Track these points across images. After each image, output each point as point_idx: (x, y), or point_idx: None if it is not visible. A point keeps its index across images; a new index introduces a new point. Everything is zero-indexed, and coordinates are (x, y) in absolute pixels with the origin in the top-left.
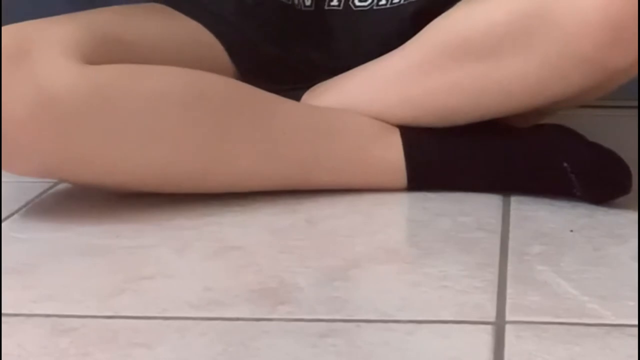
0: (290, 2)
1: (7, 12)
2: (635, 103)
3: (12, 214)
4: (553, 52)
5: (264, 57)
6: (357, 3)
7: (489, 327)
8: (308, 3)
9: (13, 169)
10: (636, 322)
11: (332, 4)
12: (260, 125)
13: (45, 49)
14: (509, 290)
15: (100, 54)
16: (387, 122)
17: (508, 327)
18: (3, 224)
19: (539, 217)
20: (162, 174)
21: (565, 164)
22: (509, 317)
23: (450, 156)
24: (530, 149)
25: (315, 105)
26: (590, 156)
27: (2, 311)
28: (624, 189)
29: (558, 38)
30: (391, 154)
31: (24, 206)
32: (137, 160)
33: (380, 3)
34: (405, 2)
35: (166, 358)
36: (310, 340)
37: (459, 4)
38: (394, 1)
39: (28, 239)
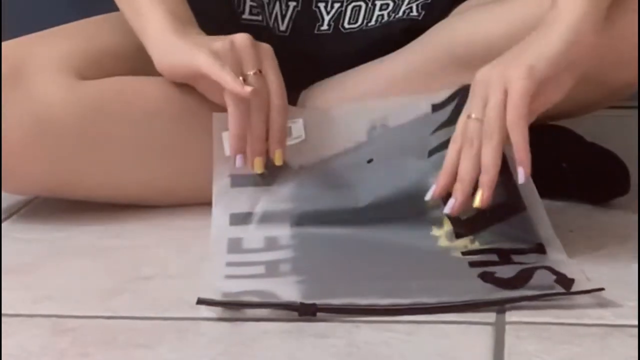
0: (264, 25)
1: (8, 13)
2: (635, 103)
3: (12, 214)
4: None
5: None
6: (347, 25)
7: (489, 328)
8: (282, 28)
9: (10, 189)
10: (636, 323)
11: (322, 28)
12: None
13: (40, 69)
14: None
15: (95, 67)
16: None
17: (508, 327)
18: (3, 224)
19: None
20: (160, 187)
21: (564, 164)
22: (509, 317)
23: None
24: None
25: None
26: (589, 157)
27: (2, 311)
28: (623, 189)
29: None
30: None
31: (24, 206)
32: (134, 175)
33: (370, 24)
34: (394, 19)
35: (166, 358)
36: (310, 340)
37: (460, 13)
38: (382, 20)
39: (28, 239)
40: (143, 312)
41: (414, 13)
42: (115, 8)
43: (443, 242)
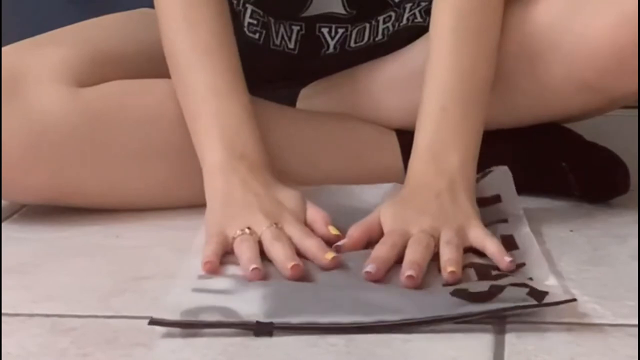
0: (260, 43)
1: (9, 13)
2: (635, 103)
3: (12, 214)
4: (557, 76)
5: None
6: (353, 44)
7: (489, 327)
8: (291, 46)
9: (13, 198)
10: (636, 322)
11: (327, 52)
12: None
13: (37, 77)
14: None
15: (92, 73)
16: (386, 126)
17: (508, 327)
18: (3, 224)
19: (538, 217)
20: (161, 192)
21: (564, 164)
22: (509, 317)
23: None
24: (529, 149)
25: (313, 112)
26: (588, 156)
27: (2, 311)
28: (623, 188)
29: (563, 63)
30: (389, 159)
31: (24, 206)
32: (135, 180)
33: (377, 38)
34: (400, 27)
35: (166, 358)
36: (310, 340)
37: None
38: (389, 32)
39: (28, 239)
40: (143, 311)
41: (419, 19)
42: (114, 10)
43: None
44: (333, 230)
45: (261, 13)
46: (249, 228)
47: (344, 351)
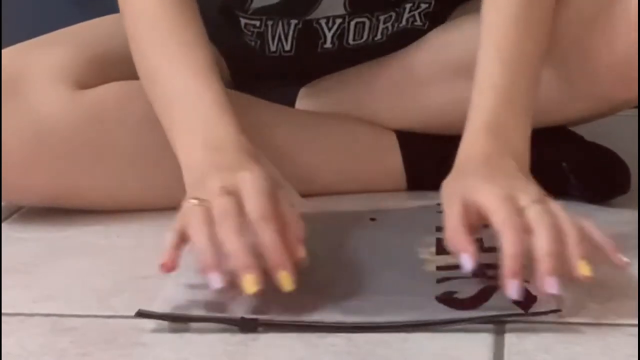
0: (257, 48)
1: (9, 13)
2: (636, 103)
3: (12, 214)
4: (555, 82)
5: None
6: (352, 42)
7: (489, 327)
8: (287, 48)
9: (13, 199)
10: (636, 322)
11: (325, 46)
12: (260, 137)
13: (37, 79)
14: None
15: (93, 74)
16: (386, 126)
17: (508, 327)
18: (3, 224)
19: None
20: (161, 193)
21: (564, 164)
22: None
23: (447, 157)
24: (529, 149)
25: (312, 113)
26: (588, 156)
27: (2, 311)
28: (623, 188)
29: (562, 69)
30: (390, 159)
31: (24, 206)
32: (135, 181)
33: (377, 38)
34: (400, 29)
35: (166, 358)
36: (310, 340)
37: (458, 18)
38: (388, 32)
39: (28, 239)
40: None
41: (418, 22)
42: (115, 11)
43: (424, 255)
44: (301, 252)
45: (257, 24)
46: (197, 198)
47: (344, 351)
